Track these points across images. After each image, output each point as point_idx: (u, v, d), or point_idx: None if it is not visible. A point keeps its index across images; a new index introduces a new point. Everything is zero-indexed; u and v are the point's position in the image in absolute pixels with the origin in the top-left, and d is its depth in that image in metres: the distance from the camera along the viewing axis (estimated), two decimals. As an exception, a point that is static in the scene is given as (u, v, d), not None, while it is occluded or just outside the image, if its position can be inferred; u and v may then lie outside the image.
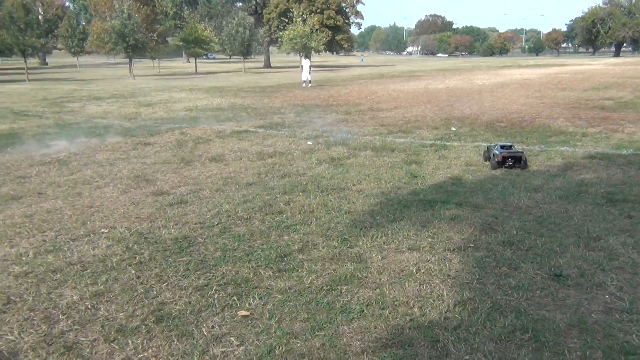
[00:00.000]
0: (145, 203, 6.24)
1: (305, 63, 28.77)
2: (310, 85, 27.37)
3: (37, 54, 50.59)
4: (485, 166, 7.78)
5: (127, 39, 40.62)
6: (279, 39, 55.79)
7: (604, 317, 3.44)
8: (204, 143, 10.26)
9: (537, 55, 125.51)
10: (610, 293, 3.75)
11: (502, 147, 7.77)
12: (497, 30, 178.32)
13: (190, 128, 12.29)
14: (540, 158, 8.26)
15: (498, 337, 3.22)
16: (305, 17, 46.32)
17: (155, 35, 44.48)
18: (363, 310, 3.57)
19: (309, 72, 28.39)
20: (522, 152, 7.67)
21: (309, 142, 10.11)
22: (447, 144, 9.66)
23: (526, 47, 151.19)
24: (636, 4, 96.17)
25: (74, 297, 3.83)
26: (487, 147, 8.23)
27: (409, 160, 8.24)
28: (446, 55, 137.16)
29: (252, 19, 50.69)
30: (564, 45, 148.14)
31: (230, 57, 75.70)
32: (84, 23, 64.39)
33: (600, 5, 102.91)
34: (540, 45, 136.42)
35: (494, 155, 7.65)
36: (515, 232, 4.98)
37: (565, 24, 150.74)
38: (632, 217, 5.33)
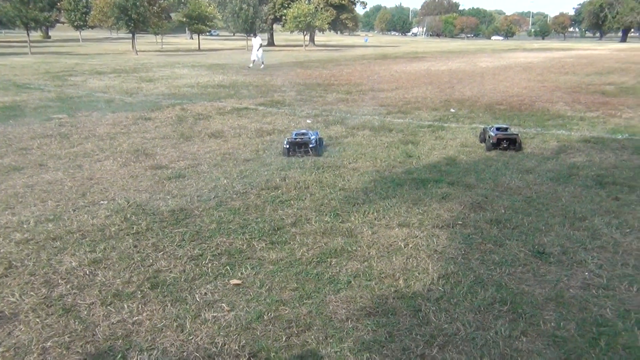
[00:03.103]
0: (144, 176, 6.36)
1: (255, 42, 26.05)
2: (262, 66, 24.59)
3: (40, 28, 50.29)
4: (480, 147, 7.88)
5: (130, 13, 40.37)
6: (283, 17, 55.51)
7: (581, 292, 3.58)
8: (204, 119, 10.35)
9: (543, 39, 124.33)
10: (590, 270, 3.88)
11: (498, 129, 7.87)
12: (504, 13, 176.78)
13: (191, 104, 12.37)
14: (536, 141, 8.35)
15: (477, 308, 3.36)
16: (309, -5, 45.97)
17: (158, 10, 44.00)
18: (350, 282, 3.71)
19: (258, 50, 25.49)
20: (517, 135, 7.76)
21: (308, 121, 10.19)
22: (445, 125, 9.74)
23: (532, 30, 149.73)
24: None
25: (73, 264, 3.98)
26: (483, 129, 8.32)
27: (406, 140, 8.33)
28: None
29: (256, -4, 50.19)
30: (571, 29, 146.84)
31: (233, 35, 75.27)
32: (87, -3, 63.84)
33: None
34: (546, 29, 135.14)
35: (489, 137, 7.74)
36: (503, 211, 5.11)
37: (573, 8, 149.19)
38: (619, 199, 5.45)
